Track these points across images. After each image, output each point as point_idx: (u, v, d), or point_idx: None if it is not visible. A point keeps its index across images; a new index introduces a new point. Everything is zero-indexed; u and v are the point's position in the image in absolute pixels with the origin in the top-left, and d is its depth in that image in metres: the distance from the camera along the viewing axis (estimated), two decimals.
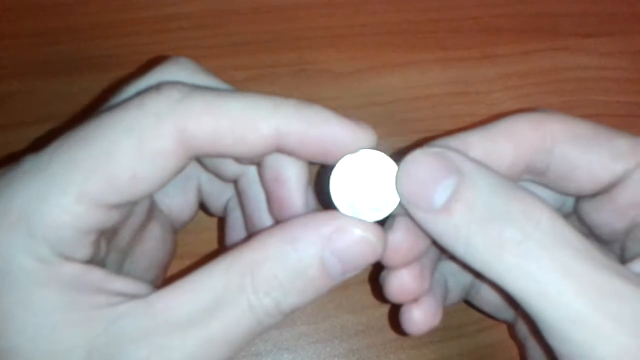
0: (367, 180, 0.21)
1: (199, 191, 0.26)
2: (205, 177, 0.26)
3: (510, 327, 0.29)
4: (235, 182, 0.25)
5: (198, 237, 0.31)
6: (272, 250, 0.19)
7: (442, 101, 0.36)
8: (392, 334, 0.30)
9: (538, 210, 0.19)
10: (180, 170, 0.20)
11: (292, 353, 0.30)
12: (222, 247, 0.31)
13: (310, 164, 0.22)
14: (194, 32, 0.37)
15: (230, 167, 0.23)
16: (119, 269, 0.23)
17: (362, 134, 0.20)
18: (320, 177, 0.22)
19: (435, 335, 0.30)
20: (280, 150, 0.20)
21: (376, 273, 0.25)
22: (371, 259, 0.20)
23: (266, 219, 0.24)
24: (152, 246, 0.24)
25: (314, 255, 0.19)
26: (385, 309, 0.31)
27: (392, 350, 0.30)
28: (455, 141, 0.22)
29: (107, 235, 0.20)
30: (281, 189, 0.21)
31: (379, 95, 0.36)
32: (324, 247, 0.19)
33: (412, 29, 0.38)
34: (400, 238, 0.22)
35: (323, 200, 0.22)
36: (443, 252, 0.25)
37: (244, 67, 0.36)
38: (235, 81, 0.35)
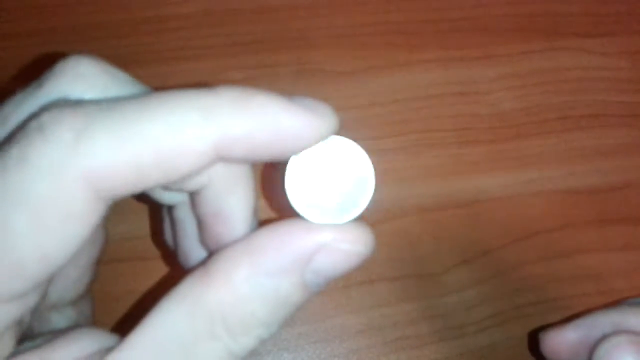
0: (329, 175, 0.17)
1: None
2: None
3: None
4: (170, 208, 0.21)
5: None
6: (244, 286, 0.16)
7: (442, 101, 0.36)
8: (392, 334, 0.30)
9: None
10: (99, 221, 0.16)
11: (292, 353, 0.30)
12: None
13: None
14: (194, 32, 0.37)
15: (164, 195, 0.20)
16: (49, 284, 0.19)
17: (320, 121, 0.16)
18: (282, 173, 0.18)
19: (435, 335, 0.30)
20: (224, 160, 0.16)
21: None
22: (358, 265, 0.17)
23: (202, 253, 0.20)
24: (81, 252, 0.20)
25: (294, 283, 0.16)
26: (385, 309, 0.31)
27: (392, 350, 0.30)
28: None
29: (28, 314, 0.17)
30: (221, 225, 0.18)
31: (379, 95, 0.36)
32: (305, 271, 0.16)
33: (412, 29, 0.38)
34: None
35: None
36: None
37: (244, 67, 0.36)
38: (235, 81, 0.35)
